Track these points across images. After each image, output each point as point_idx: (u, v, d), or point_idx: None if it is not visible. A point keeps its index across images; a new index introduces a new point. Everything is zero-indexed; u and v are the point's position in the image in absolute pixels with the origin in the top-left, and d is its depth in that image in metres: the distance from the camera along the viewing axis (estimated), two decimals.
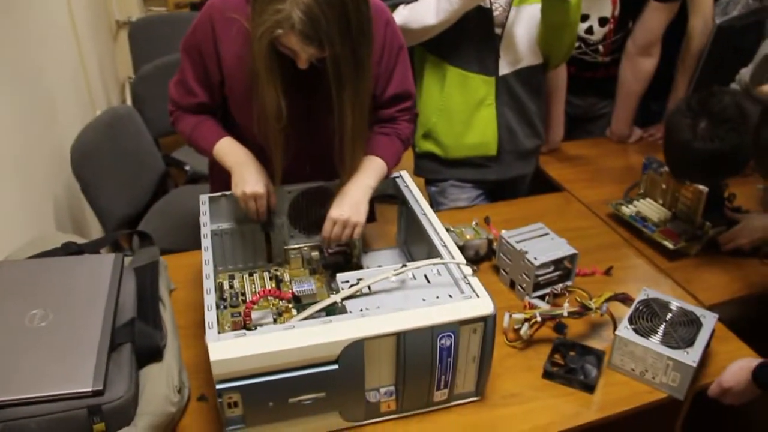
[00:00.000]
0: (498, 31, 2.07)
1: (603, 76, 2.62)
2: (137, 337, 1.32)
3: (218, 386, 1.19)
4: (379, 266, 1.70)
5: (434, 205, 2.33)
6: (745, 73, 2.16)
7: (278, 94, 1.46)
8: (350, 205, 1.59)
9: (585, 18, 2.45)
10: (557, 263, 1.72)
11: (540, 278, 1.71)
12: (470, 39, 2.06)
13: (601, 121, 2.78)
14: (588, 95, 2.71)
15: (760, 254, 2.00)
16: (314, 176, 1.72)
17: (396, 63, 1.67)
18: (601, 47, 2.53)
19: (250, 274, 1.73)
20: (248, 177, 1.58)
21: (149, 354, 1.33)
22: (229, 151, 1.64)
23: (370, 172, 1.63)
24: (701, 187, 1.98)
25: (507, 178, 2.30)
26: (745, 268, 1.96)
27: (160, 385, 1.31)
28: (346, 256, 1.75)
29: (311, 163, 1.71)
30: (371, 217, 2.08)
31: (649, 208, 2.13)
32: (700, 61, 2.49)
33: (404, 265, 1.41)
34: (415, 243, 1.73)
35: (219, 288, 1.66)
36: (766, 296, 1.91)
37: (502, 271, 1.81)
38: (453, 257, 1.44)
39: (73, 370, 1.21)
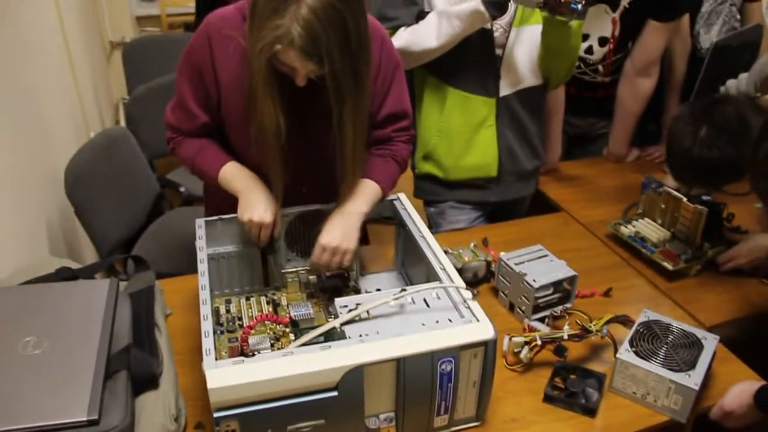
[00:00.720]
0: (498, 52, 2.08)
1: (603, 96, 2.63)
2: (133, 365, 1.30)
3: (216, 414, 1.17)
4: (378, 289, 1.71)
5: (432, 226, 2.32)
6: (736, 83, 2.17)
7: (277, 111, 1.45)
8: (341, 231, 1.59)
9: (585, 38, 2.46)
10: (557, 285, 1.71)
11: (539, 300, 1.69)
12: (471, 60, 2.06)
13: (600, 141, 2.79)
14: (587, 115, 2.71)
15: (759, 274, 1.99)
16: (312, 196, 1.72)
17: (392, 82, 1.67)
18: (600, 67, 2.54)
19: (247, 299, 1.71)
20: (257, 204, 1.57)
21: (145, 381, 1.32)
22: (237, 175, 1.63)
23: (363, 198, 1.63)
24: (700, 207, 1.98)
25: (507, 200, 2.30)
26: (745, 288, 1.95)
27: (156, 414, 1.29)
28: (343, 280, 1.74)
29: (308, 183, 1.70)
30: (364, 240, 2.08)
31: (648, 228, 2.13)
32: (697, 79, 2.51)
33: (403, 290, 1.40)
34: (413, 265, 1.72)
35: (215, 313, 1.64)
36: (767, 316, 1.89)
37: (501, 294, 1.80)
38: (452, 281, 1.43)
39: (67, 400, 1.19)
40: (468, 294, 1.39)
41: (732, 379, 1.57)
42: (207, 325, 1.28)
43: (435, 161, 2.21)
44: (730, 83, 2.20)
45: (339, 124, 1.48)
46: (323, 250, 1.59)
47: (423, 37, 1.96)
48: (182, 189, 3.06)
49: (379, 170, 1.68)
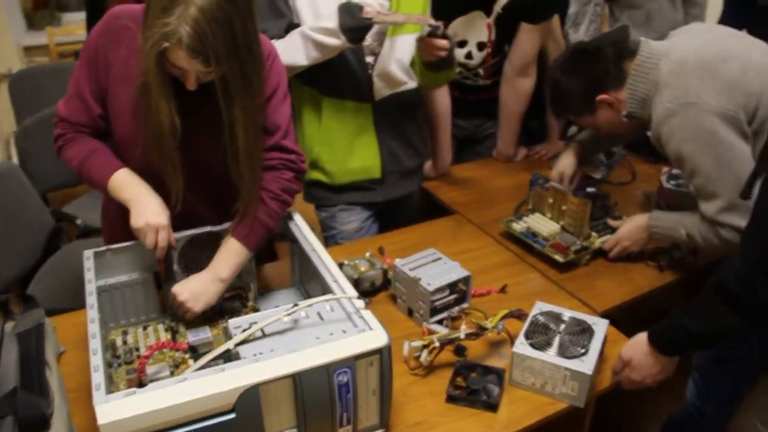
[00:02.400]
0: (370, 59, 2.10)
1: (486, 98, 2.69)
2: (20, 408, 1.25)
3: None
4: (277, 306, 1.68)
5: (326, 230, 2.33)
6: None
7: (171, 111, 1.45)
8: (192, 291, 1.58)
9: (464, 44, 2.52)
10: (452, 287, 1.73)
11: (436, 303, 1.71)
12: (342, 69, 2.07)
13: (488, 141, 2.84)
14: (473, 117, 2.77)
15: (645, 257, 2.07)
16: (205, 202, 1.70)
17: (269, 97, 1.64)
18: (481, 71, 2.60)
19: (144, 328, 1.67)
20: (151, 207, 1.54)
21: (35, 424, 1.26)
22: (128, 182, 1.58)
23: (225, 264, 1.61)
24: (585, 199, 2.05)
25: (394, 198, 2.33)
26: (633, 272, 2.03)
27: None
28: (241, 301, 1.72)
29: (203, 188, 1.68)
30: (272, 256, 2.07)
31: (539, 223, 2.18)
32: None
33: (295, 305, 1.39)
34: (309, 280, 1.72)
35: (112, 346, 1.60)
36: (653, 296, 1.98)
37: (399, 300, 1.81)
38: (344, 292, 1.44)
39: None
40: (360, 303, 1.39)
41: None
42: (96, 360, 1.25)
43: (320, 168, 2.21)
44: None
45: (229, 125, 1.48)
46: (173, 297, 1.59)
47: (291, 53, 1.96)
48: (79, 221, 2.95)
49: (246, 230, 1.63)
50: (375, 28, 2.01)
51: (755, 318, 1.40)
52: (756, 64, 1.76)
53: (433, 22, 1.95)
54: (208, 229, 1.67)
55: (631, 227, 2.04)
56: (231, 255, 1.61)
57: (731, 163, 1.72)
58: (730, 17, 3.39)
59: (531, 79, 2.62)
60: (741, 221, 1.72)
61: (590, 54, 1.96)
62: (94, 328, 1.35)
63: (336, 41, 1.92)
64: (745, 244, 1.43)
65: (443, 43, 1.99)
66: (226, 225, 1.66)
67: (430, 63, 2.09)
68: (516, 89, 2.62)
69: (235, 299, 1.72)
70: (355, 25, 1.89)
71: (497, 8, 2.41)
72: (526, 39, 2.52)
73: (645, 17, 3.20)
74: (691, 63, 1.79)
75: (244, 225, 1.61)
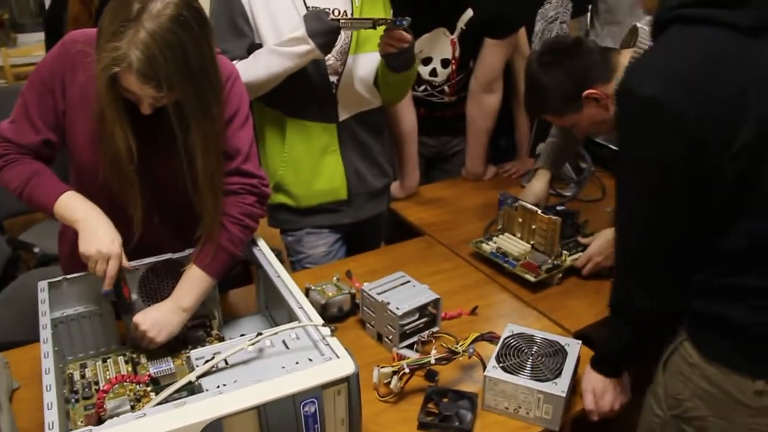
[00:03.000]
0: (333, 79, 2.08)
1: (452, 115, 2.68)
2: None
3: None
4: (242, 335, 1.64)
5: (292, 254, 2.29)
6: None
7: (126, 134, 1.42)
8: (154, 321, 1.55)
9: (428, 61, 2.51)
10: (421, 310, 1.71)
11: (405, 328, 1.69)
12: (305, 89, 2.05)
13: (456, 158, 2.83)
14: (440, 135, 2.75)
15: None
16: (164, 228, 1.66)
17: (229, 120, 1.61)
18: (446, 88, 2.59)
19: (104, 360, 1.62)
20: (101, 233, 1.48)
21: None
22: (76, 204, 1.52)
23: (187, 292, 1.58)
24: (554, 217, 2.03)
25: (362, 220, 2.30)
26: (605, 290, 1.96)
27: None
28: (205, 329, 1.68)
29: (163, 213, 1.64)
30: (247, 279, 2.02)
31: (509, 243, 2.17)
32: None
33: (260, 334, 1.35)
34: (275, 307, 1.68)
35: (69, 380, 1.54)
36: None
37: (368, 325, 1.78)
38: (310, 319, 1.40)
39: None
40: (326, 331, 1.36)
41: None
42: (50, 397, 1.20)
43: (285, 191, 2.18)
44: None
45: (186, 150, 1.46)
46: (135, 327, 1.56)
47: (253, 71, 1.93)
48: (36, 249, 2.89)
49: (208, 257, 1.58)
50: (338, 46, 2.00)
51: (644, 327, 1.48)
52: None
53: (399, 19, 1.93)
54: (169, 256, 1.63)
55: (601, 243, 2.04)
56: (193, 283, 1.58)
57: None
58: None
59: (497, 95, 2.61)
60: None
61: (571, 45, 1.88)
62: (48, 363, 1.30)
63: (305, 47, 1.89)
64: (616, 253, 1.49)
65: (406, 35, 1.96)
66: (188, 252, 1.63)
67: (391, 57, 2.03)
68: (482, 105, 2.61)
69: (198, 328, 1.67)
70: (324, 28, 1.87)
71: (461, 24, 2.41)
72: (491, 54, 2.51)
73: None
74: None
75: (206, 252, 1.58)
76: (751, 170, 1.26)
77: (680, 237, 1.35)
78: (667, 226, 1.34)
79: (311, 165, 2.15)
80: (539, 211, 2.08)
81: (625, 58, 1.84)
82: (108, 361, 1.62)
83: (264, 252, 1.69)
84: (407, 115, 2.49)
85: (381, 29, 1.94)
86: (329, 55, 2.01)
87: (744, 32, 1.25)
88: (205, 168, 1.49)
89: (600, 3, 3.16)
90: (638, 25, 1.84)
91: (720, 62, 1.25)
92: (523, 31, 2.68)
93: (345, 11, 2.07)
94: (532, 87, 1.96)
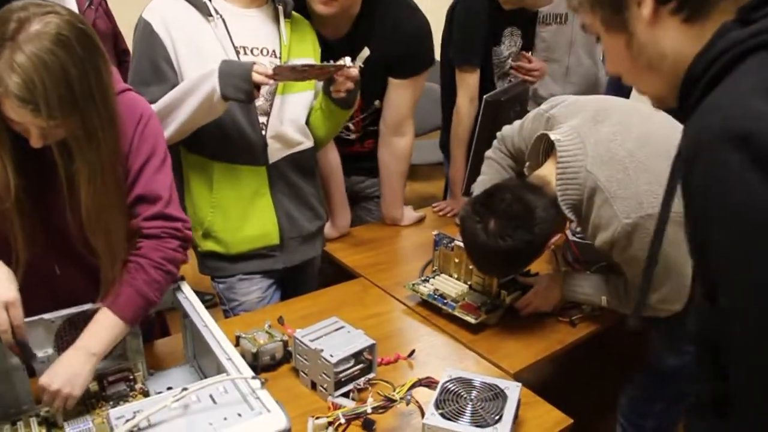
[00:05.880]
0: (263, 120, 2.07)
1: (359, 150, 2.67)
2: None
3: None
4: (169, 388, 1.62)
5: (224, 302, 2.24)
6: (510, 129, 2.29)
7: (6, 169, 1.37)
8: (64, 375, 1.45)
9: None
10: (356, 356, 1.68)
11: (340, 375, 1.66)
12: (234, 132, 2.03)
13: (377, 198, 2.81)
14: (350, 174, 2.71)
15: (555, 312, 2.08)
16: (68, 279, 1.60)
17: (146, 162, 1.58)
18: (351, 125, 2.58)
19: (13, 423, 1.53)
20: None
21: None
22: None
23: (95, 337, 1.50)
24: None
25: (295, 265, 2.28)
26: (544, 329, 2.03)
27: None
28: (128, 383, 1.62)
29: (62, 260, 1.59)
30: (164, 330, 1.97)
31: (446, 284, 2.17)
32: (473, 134, 2.63)
33: (185, 389, 1.31)
34: (203, 357, 1.64)
35: None
36: (567, 352, 1.98)
37: (302, 373, 1.74)
38: (239, 371, 1.37)
39: None
40: (256, 383, 1.33)
41: (540, 421, 1.62)
42: None
43: (214, 237, 2.14)
44: (505, 130, 2.31)
45: (68, 180, 1.42)
46: (43, 390, 1.44)
47: (164, 117, 1.90)
48: None
49: (121, 298, 1.53)
50: (268, 87, 1.98)
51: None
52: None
53: (340, 62, 1.94)
54: (87, 307, 1.57)
55: (542, 290, 2.07)
56: (101, 327, 1.50)
57: (685, 264, 1.76)
58: None
59: (407, 138, 2.60)
60: (677, 305, 1.83)
61: (525, 216, 1.82)
62: None
63: (207, 85, 1.85)
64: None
65: (354, 71, 1.97)
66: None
67: (342, 99, 2.06)
68: (392, 149, 2.60)
69: (120, 382, 1.62)
70: (238, 98, 1.86)
71: (358, 63, 2.37)
72: (397, 96, 2.51)
73: (564, 72, 3.33)
74: (628, 165, 1.77)
75: (114, 293, 1.52)
76: None
77: None
78: None
79: (241, 210, 2.12)
80: None
81: (549, 174, 1.89)
82: (18, 423, 1.54)
83: (190, 299, 1.65)
84: (331, 152, 2.49)
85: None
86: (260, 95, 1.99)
87: None
88: (90, 199, 1.43)
89: (538, 41, 3.24)
90: (551, 136, 1.89)
91: None
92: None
93: (273, 50, 2.07)
94: (492, 260, 1.92)
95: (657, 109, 1.17)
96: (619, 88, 2.93)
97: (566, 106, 2.04)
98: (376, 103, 2.55)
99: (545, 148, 1.99)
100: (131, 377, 1.64)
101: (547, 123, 2.05)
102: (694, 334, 1.07)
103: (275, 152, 2.11)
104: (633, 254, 1.80)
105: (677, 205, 0.99)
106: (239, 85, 1.83)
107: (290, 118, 2.11)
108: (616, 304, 1.97)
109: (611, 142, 1.82)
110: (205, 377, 1.59)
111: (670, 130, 1.79)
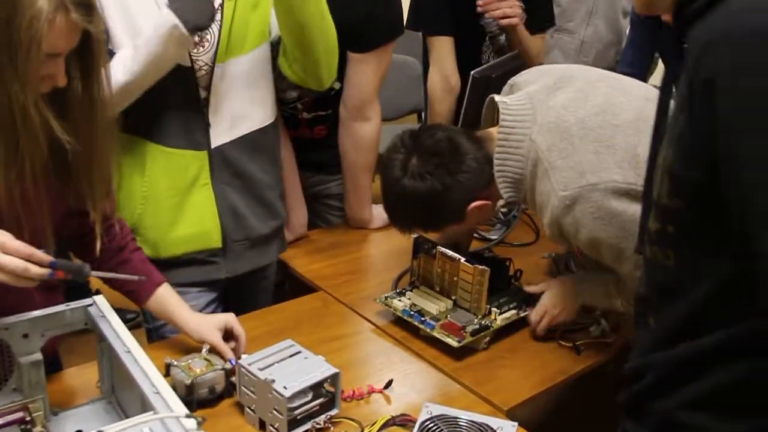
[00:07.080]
0: (204, 94, 2.03)
1: (306, 137, 2.63)
2: None
3: None
4: (79, 431, 1.58)
5: (150, 321, 2.17)
6: None
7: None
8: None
9: None
10: (315, 389, 1.64)
11: (296, 412, 1.61)
12: (170, 107, 2.00)
13: (339, 195, 2.78)
14: (305, 170, 2.68)
15: (556, 335, 2.06)
16: None
17: None
18: (299, 105, 2.54)
19: None
20: None
21: None
22: None
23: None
24: (482, 267, 2.01)
25: (242, 274, 2.23)
26: (544, 356, 2.01)
27: None
28: (24, 426, 1.54)
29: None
30: (55, 364, 1.87)
31: (425, 299, 2.13)
32: (460, 113, 2.62)
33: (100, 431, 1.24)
34: (124, 390, 1.58)
35: None
36: (570, 384, 1.95)
37: (248, 409, 1.70)
38: (169, 408, 1.30)
39: None
40: (191, 423, 1.26)
41: None
42: None
43: (142, 236, 2.08)
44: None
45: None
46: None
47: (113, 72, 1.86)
48: None
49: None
50: (208, 52, 1.97)
51: None
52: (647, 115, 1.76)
53: None
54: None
55: (556, 294, 2.05)
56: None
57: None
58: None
59: (372, 123, 2.57)
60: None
61: (452, 156, 1.89)
62: None
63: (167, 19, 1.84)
64: None
65: None
66: None
67: None
68: (354, 136, 2.57)
69: (12, 426, 1.53)
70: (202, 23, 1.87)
71: None
72: (357, 73, 2.47)
73: (578, 45, 3.29)
74: (575, 132, 1.79)
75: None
76: None
77: None
78: None
79: (175, 203, 2.07)
80: (463, 260, 2.05)
81: (491, 139, 1.93)
82: None
83: (108, 318, 1.58)
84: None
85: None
86: (201, 62, 1.97)
87: None
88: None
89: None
90: (496, 98, 1.95)
91: None
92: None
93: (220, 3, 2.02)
94: (402, 201, 1.97)
95: (641, 12, 1.30)
96: (632, 65, 2.92)
97: (531, 72, 2.08)
98: (336, 85, 2.47)
99: (498, 117, 1.98)
100: (28, 419, 1.56)
101: (510, 90, 2.09)
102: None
103: (220, 133, 2.07)
104: (593, 237, 1.79)
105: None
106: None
107: (237, 87, 2.07)
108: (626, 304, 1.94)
109: (564, 109, 1.85)
110: (127, 417, 1.54)
111: (644, 102, 1.83)
